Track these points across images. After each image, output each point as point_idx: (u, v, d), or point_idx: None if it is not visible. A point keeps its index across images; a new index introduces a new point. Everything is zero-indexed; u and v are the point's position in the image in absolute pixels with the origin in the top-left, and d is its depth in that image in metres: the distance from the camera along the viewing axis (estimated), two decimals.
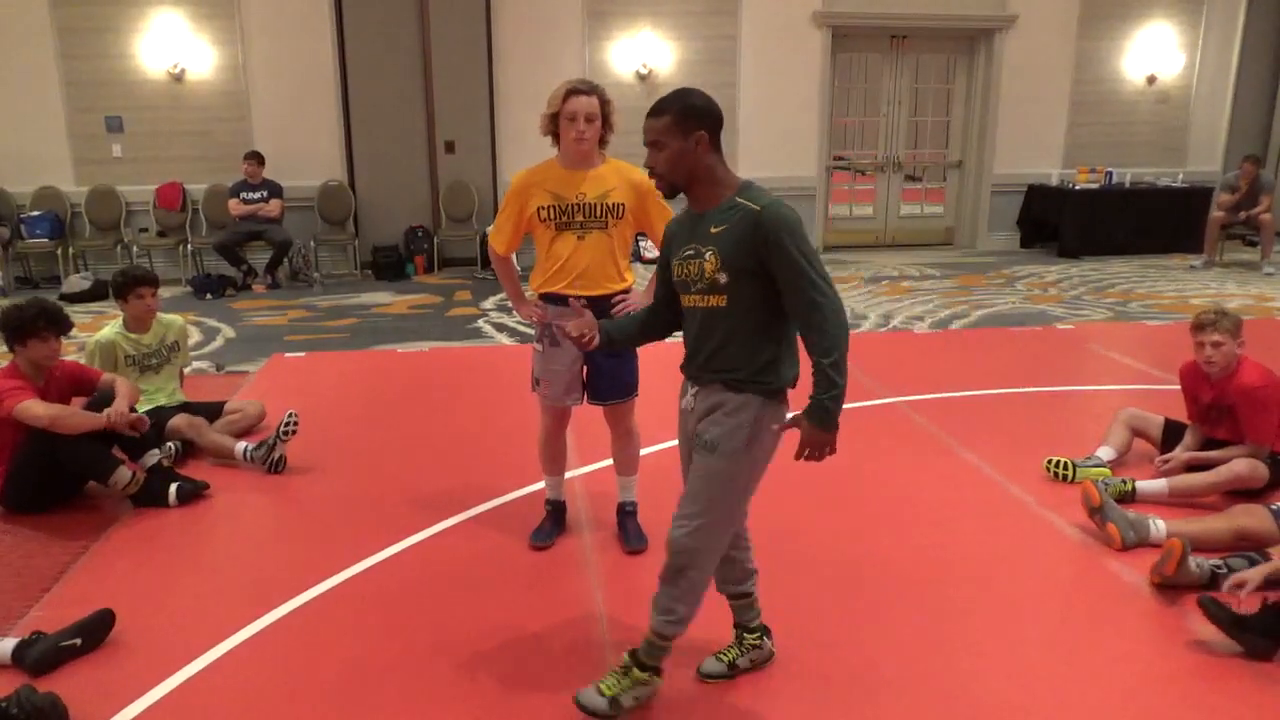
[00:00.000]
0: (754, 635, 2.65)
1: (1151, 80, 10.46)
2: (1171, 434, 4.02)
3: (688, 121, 2.25)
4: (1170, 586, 3.02)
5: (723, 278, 2.23)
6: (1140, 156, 10.56)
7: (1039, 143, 10.36)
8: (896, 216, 10.76)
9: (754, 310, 2.26)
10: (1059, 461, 3.96)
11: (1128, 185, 10.17)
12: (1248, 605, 2.72)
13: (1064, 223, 9.97)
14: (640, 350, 3.34)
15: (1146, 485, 3.70)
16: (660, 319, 2.56)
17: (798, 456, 2.26)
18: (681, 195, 2.34)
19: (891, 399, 5.08)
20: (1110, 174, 10.17)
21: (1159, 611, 2.96)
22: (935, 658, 2.72)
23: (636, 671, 2.43)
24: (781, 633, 2.77)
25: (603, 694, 2.41)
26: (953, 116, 10.59)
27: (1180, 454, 3.85)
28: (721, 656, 2.63)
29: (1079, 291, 8.24)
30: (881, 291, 8.22)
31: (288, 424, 4.09)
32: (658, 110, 2.28)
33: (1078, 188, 9.99)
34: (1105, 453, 4.01)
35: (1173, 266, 9.43)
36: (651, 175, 2.33)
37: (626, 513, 3.46)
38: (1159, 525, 3.34)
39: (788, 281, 2.19)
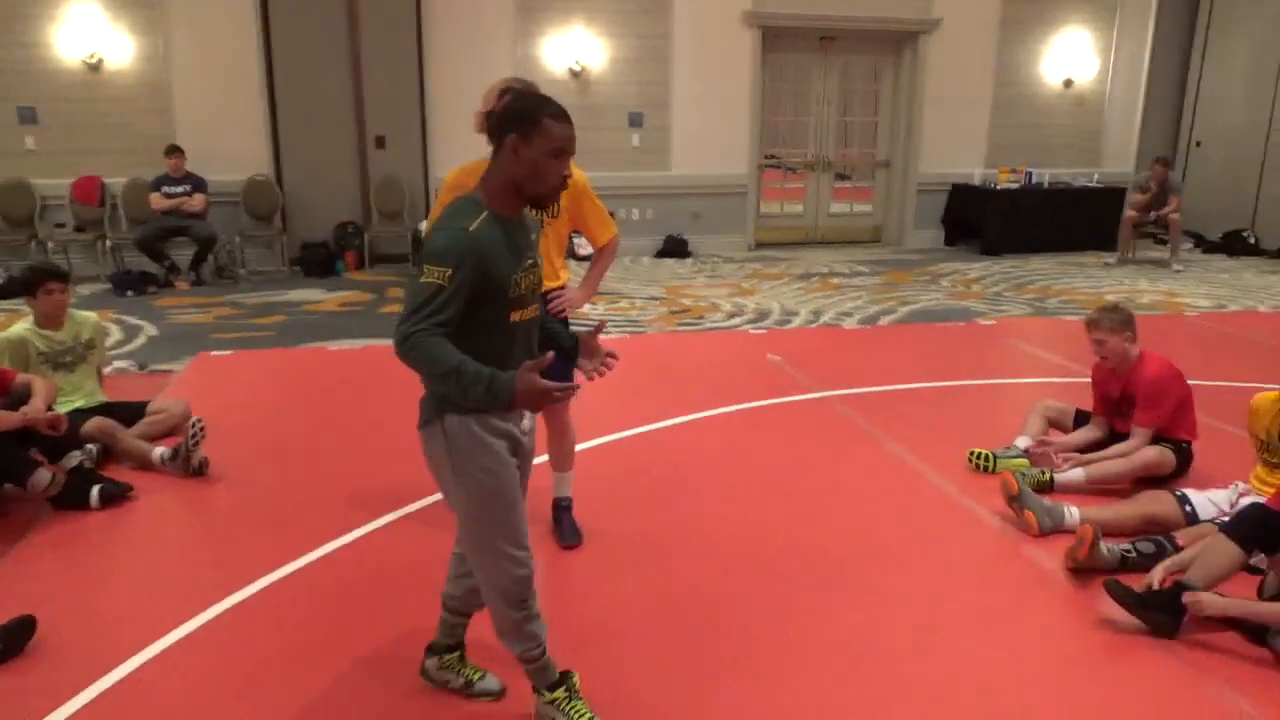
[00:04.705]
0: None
1: (1068, 84, 10.82)
2: (1082, 422, 4.20)
3: None
4: (1084, 570, 3.16)
5: None
6: (1058, 157, 10.92)
7: (963, 143, 10.64)
8: (826, 214, 10.96)
9: None
10: (980, 454, 4.11)
11: (1046, 185, 10.52)
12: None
13: (986, 221, 10.28)
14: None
15: (1063, 475, 3.86)
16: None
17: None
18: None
19: (821, 393, 5.19)
20: (1030, 174, 10.51)
21: (1072, 594, 3.10)
22: (860, 642, 2.80)
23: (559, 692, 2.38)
24: (709, 624, 2.82)
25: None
26: (880, 117, 10.81)
27: (1062, 440, 4.09)
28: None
29: (1000, 288, 8.50)
30: (812, 288, 8.36)
31: (194, 433, 3.99)
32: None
33: (999, 187, 10.30)
34: (1022, 441, 4.17)
35: (1088, 264, 9.80)
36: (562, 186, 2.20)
37: (562, 508, 3.49)
38: (1073, 512, 3.49)
39: None
